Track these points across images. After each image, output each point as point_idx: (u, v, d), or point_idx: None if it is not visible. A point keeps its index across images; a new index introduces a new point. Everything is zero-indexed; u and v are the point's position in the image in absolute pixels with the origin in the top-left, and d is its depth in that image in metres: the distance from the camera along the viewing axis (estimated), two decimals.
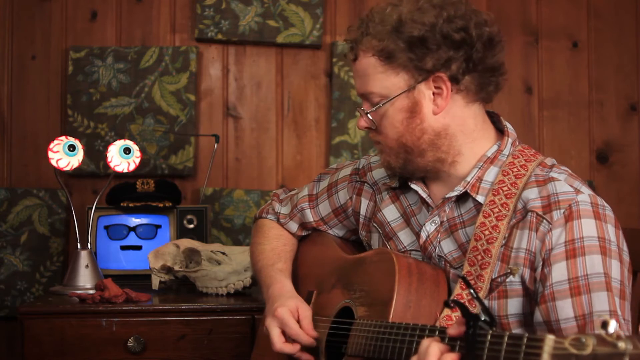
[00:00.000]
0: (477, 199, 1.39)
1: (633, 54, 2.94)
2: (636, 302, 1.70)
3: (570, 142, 2.92)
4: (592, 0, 2.94)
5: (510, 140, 1.44)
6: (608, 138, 2.93)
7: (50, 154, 2.30)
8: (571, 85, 2.93)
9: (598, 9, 2.94)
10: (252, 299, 2.20)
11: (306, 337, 1.50)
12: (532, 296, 1.31)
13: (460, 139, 1.42)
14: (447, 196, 1.43)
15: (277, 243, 1.78)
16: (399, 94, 1.39)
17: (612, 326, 0.84)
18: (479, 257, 1.33)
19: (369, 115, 1.43)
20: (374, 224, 1.59)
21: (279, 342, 1.52)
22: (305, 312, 1.54)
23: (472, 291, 1.12)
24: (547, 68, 2.93)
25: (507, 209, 1.34)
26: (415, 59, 1.37)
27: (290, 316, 1.52)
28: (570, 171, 1.39)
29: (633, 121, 2.94)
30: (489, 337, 1.02)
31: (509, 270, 1.32)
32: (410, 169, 1.46)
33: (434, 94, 1.39)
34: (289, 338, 1.52)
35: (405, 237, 1.52)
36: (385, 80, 1.40)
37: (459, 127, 1.41)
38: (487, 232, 1.34)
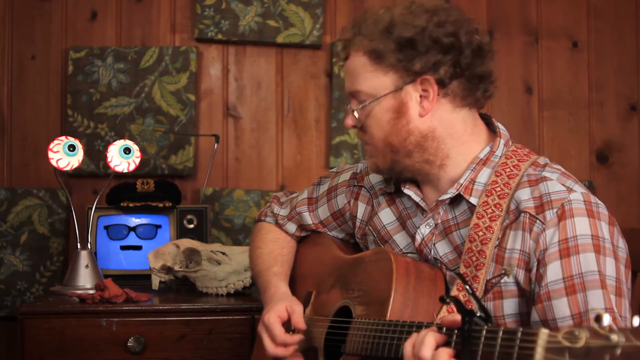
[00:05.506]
0: (470, 200, 1.39)
1: (633, 54, 2.94)
2: (636, 302, 1.70)
3: (570, 142, 2.92)
4: (592, 0, 2.94)
5: (502, 141, 1.44)
6: (608, 138, 2.93)
7: (50, 154, 2.30)
8: (571, 85, 2.93)
9: (598, 9, 2.94)
10: (252, 299, 2.21)
11: (292, 339, 1.52)
12: (528, 297, 1.32)
13: (448, 143, 1.42)
14: (440, 199, 1.43)
15: (274, 246, 1.79)
16: (386, 94, 1.41)
17: (606, 319, 0.85)
18: (474, 259, 1.34)
19: (355, 113, 1.45)
20: (370, 228, 1.60)
21: (271, 346, 1.53)
22: (295, 307, 1.56)
23: (468, 287, 1.12)
24: (547, 68, 2.93)
25: (500, 209, 1.35)
26: (404, 59, 1.38)
27: (275, 321, 1.53)
28: (563, 169, 1.39)
29: (633, 121, 2.94)
30: (484, 332, 1.03)
31: (503, 271, 1.32)
32: (398, 170, 1.47)
33: (420, 96, 1.40)
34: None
35: (401, 240, 1.53)
36: (374, 80, 1.42)
37: (446, 130, 1.42)
38: (481, 233, 1.34)
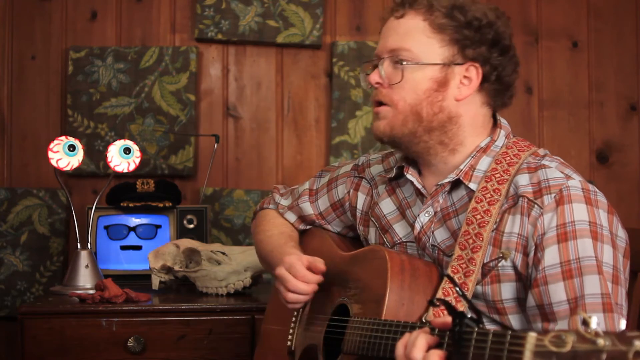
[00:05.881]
0: (469, 186, 1.41)
1: (633, 54, 2.94)
2: (636, 301, 1.70)
3: (570, 142, 2.92)
4: (592, 0, 2.94)
5: (503, 133, 1.47)
6: (608, 138, 2.93)
7: (50, 154, 2.30)
8: (571, 85, 2.93)
9: (598, 9, 2.94)
10: (252, 299, 2.21)
11: (313, 277, 1.49)
12: (525, 281, 1.32)
13: (467, 132, 1.45)
14: (440, 183, 1.44)
15: (285, 229, 1.78)
16: (435, 63, 1.41)
17: (594, 323, 0.85)
18: (470, 241, 1.34)
19: (402, 63, 1.42)
20: (372, 218, 1.60)
21: (292, 281, 1.49)
22: (316, 259, 1.52)
23: (457, 289, 1.13)
24: (547, 68, 2.93)
25: (499, 194, 1.36)
26: (464, 40, 1.41)
27: (297, 260, 1.51)
28: (562, 160, 1.41)
29: (633, 121, 2.94)
30: (474, 334, 1.03)
31: (501, 255, 1.33)
32: (409, 142, 1.45)
33: (461, 81, 1.43)
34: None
35: (400, 229, 1.53)
36: (428, 46, 1.42)
37: (469, 120, 1.44)
38: (478, 217, 1.35)
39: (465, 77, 1.42)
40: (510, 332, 0.97)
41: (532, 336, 0.91)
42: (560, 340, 0.87)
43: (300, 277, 1.49)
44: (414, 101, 1.42)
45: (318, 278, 1.50)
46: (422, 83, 1.42)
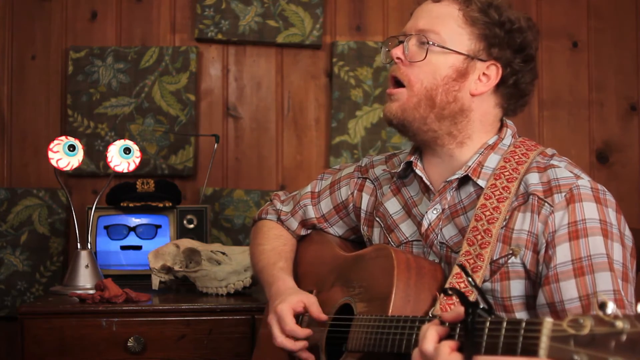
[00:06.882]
0: (478, 182, 1.42)
1: (633, 54, 2.94)
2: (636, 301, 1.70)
3: (570, 142, 2.92)
4: (592, 0, 2.94)
5: (509, 132, 1.50)
6: (608, 138, 2.93)
7: (50, 154, 2.30)
8: (571, 85, 2.93)
9: (598, 9, 2.94)
10: (252, 299, 2.21)
11: (301, 331, 1.50)
12: (533, 279, 1.33)
13: (475, 127, 1.46)
14: (448, 179, 1.45)
15: (277, 243, 1.79)
16: (460, 52, 1.42)
17: (610, 307, 0.85)
18: (479, 237, 1.35)
19: (428, 44, 1.42)
20: (377, 218, 1.60)
21: (280, 336, 1.50)
22: (310, 299, 1.54)
23: (470, 280, 1.12)
24: (547, 68, 2.93)
25: (508, 191, 1.37)
26: (493, 37, 1.42)
27: (288, 312, 1.51)
28: (569, 160, 1.43)
29: (633, 121, 2.94)
30: (487, 324, 1.02)
31: (511, 251, 1.34)
32: (417, 128, 1.45)
33: (479, 77, 1.44)
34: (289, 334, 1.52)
35: (406, 228, 1.54)
36: (457, 35, 1.43)
37: (480, 117, 1.46)
38: (487, 213, 1.36)
39: (484, 74, 1.44)
40: (525, 320, 0.96)
41: (548, 321, 0.91)
42: (577, 324, 0.86)
43: (287, 332, 1.50)
44: (431, 85, 1.43)
45: (306, 334, 1.50)
46: (442, 69, 1.43)
